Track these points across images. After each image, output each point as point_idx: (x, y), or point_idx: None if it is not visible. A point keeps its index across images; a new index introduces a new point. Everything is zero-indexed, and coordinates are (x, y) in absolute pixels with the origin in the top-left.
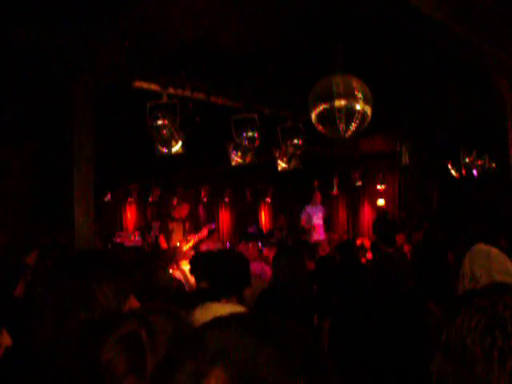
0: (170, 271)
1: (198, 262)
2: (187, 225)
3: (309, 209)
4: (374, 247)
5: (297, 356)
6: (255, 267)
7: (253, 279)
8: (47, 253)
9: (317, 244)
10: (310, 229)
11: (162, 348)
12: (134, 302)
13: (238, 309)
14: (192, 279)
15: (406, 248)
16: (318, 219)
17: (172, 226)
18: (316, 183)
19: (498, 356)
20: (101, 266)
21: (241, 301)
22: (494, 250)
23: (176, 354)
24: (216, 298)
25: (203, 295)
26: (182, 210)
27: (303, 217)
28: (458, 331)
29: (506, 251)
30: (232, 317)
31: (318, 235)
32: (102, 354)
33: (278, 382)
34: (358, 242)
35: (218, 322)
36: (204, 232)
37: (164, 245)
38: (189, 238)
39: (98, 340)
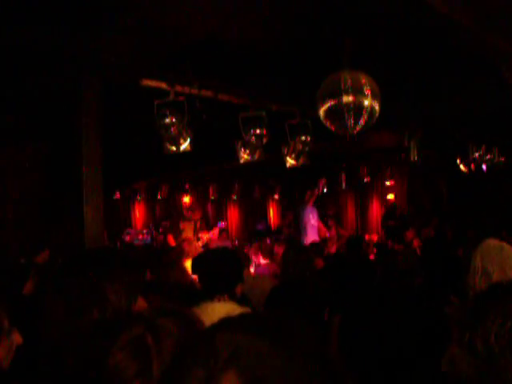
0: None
1: (195, 263)
2: (198, 225)
3: (307, 209)
4: (379, 244)
5: (311, 359)
6: (267, 267)
7: (262, 279)
8: (57, 252)
9: (325, 240)
10: (306, 228)
11: (169, 352)
12: (141, 302)
13: (232, 306)
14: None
15: (416, 243)
16: (313, 220)
17: (183, 225)
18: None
19: None
20: (111, 265)
21: (232, 297)
22: (507, 246)
23: (186, 359)
24: (208, 296)
25: (197, 294)
26: (195, 215)
27: (306, 215)
28: (485, 335)
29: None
30: (243, 318)
31: (314, 236)
32: (110, 357)
33: None
34: (366, 238)
35: (229, 323)
36: (215, 232)
37: (173, 243)
38: (200, 236)
39: (108, 342)
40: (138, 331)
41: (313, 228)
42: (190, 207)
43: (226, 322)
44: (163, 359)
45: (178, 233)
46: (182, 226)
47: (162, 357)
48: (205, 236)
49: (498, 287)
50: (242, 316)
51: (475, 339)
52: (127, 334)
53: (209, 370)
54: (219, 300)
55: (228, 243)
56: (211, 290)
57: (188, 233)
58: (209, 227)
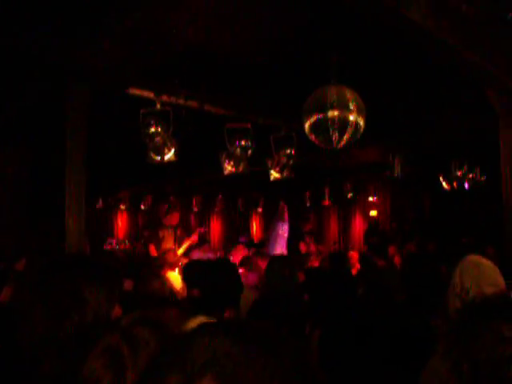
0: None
1: (191, 269)
2: (178, 232)
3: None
4: (364, 259)
5: (288, 365)
6: (251, 278)
7: (246, 290)
8: (37, 259)
9: (307, 255)
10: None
11: (145, 363)
12: (117, 309)
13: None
14: (176, 286)
15: (397, 260)
16: (283, 232)
17: (162, 233)
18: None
19: None
20: (91, 270)
21: (236, 313)
22: (485, 262)
23: (162, 363)
24: (208, 308)
25: (195, 304)
26: (173, 219)
27: (277, 226)
28: (472, 358)
29: (494, 260)
30: (220, 324)
31: (281, 248)
32: (85, 365)
33: None
34: (348, 253)
35: (206, 329)
36: (194, 236)
37: (154, 253)
38: (182, 244)
39: (86, 348)
40: (113, 340)
41: (281, 240)
42: (167, 211)
43: (204, 327)
44: (138, 370)
45: (158, 242)
46: (161, 233)
47: (137, 368)
48: (184, 244)
49: (489, 304)
50: (220, 322)
51: (462, 358)
52: (103, 342)
53: (186, 375)
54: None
55: (211, 255)
56: (213, 302)
57: (168, 241)
58: (189, 235)
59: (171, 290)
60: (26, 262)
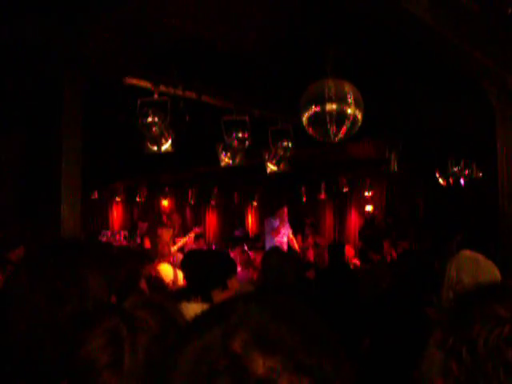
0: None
1: (186, 261)
2: (176, 230)
3: (276, 223)
4: (362, 253)
5: (310, 328)
6: (244, 274)
7: (241, 284)
8: (32, 247)
9: (304, 249)
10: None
11: (143, 346)
12: (113, 299)
13: (201, 307)
14: (167, 278)
15: (394, 255)
16: (282, 236)
17: (161, 231)
18: (284, 200)
19: (504, 376)
20: (92, 255)
21: (208, 301)
22: (481, 257)
23: (201, 321)
24: (186, 297)
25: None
26: (174, 221)
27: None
28: (471, 342)
29: (491, 256)
30: (250, 294)
31: (272, 242)
32: (83, 345)
33: (296, 346)
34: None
35: (238, 297)
36: (191, 236)
37: (148, 245)
38: (177, 241)
39: (86, 333)
40: (113, 322)
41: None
42: (169, 215)
43: (233, 298)
44: (136, 353)
45: (154, 237)
46: (159, 231)
47: (136, 350)
48: (181, 241)
49: (483, 290)
50: (249, 293)
51: (460, 345)
52: (103, 323)
53: (223, 328)
54: (195, 302)
55: (205, 248)
56: (189, 291)
57: (165, 238)
58: (186, 232)
59: (160, 280)
60: (23, 250)
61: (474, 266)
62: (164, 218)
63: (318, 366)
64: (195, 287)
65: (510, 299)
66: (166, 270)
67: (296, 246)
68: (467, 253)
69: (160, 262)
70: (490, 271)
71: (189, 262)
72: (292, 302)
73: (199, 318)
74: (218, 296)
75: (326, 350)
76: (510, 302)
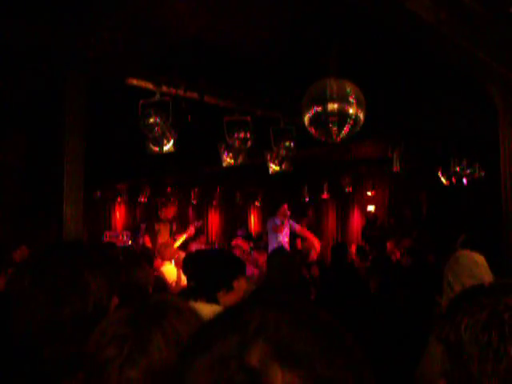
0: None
1: (187, 261)
2: (174, 226)
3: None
4: (361, 251)
5: (329, 333)
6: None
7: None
8: (35, 248)
9: (308, 251)
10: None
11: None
12: (115, 300)
13: (216, 307)
14: (170, 279)
15: (397, 255)
16: (284, 236)
17: (158, 226)
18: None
19: (492, 357)
20: (93, 257)
21: (215, 302)
22: (465, 254)
23: (214, 328)
24: (193, 297)
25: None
26: (168, 212)
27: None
28: (456, 328)
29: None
30: (270, 299)
31: (278, 243)
32: (101, 348)
33: (316, 358)
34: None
35: (255, 301)
36: (191, 230)
37: (149, 244)
38: (177, 238)
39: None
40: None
41: (278, 236)
42: (162, 204)
43: (249, 301)
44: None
45: (153, 234)
46: (156, 226)
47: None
48: (182, 237)
49: (479, 287)
50: (264, 296)
51: (449, 332)
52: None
53: (241, 337)
54: (203, 302)
55: (208, 247)
56: (195, 291)
57: (164, 234)
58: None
59: (160, 280)
60: (26, 250)
61: (456, 265)
62: (159, 213)
63: (340, 379)
64: (199, 288)
65: (496, 291)
66: (170, 270)
67: (311, 235)
68: (465, 252)
69: (164, 261)
70: (468, 268)
71: (193, 262)
72: (311, 308)
73: (212, 325)
74: (224, 297)
75: (348, 361)
76: (494, 293)
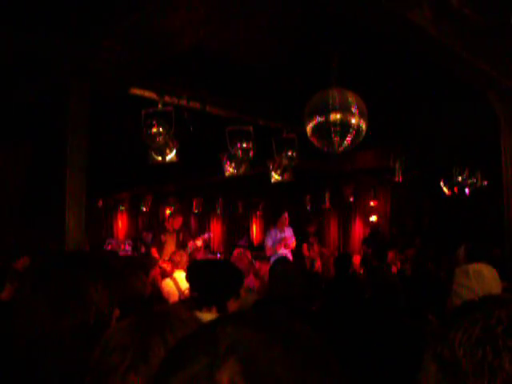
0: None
1: (190, 271)
2: (181, 236)
3: (273, 233)
4: (365, 261)
5: (305, 354)
6: (247, 280)
7: (245, 292)
8: (37, 258)
9: (312, 261)
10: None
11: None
12: (116, 311)
13: (212, 316)
14: (183, 286)
15: (399, 264)
16: (281, 239)
17: (164, 238)
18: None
19: (487, 372)
20: (97, 270)
21: (222, 311)
22: (485, 269)
23: (187, 348)
24: (198, 307)
25: (190, 304)
26: (176, 222)
27: (268, 242)
28: (450, 344)
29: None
30: (241, 314)
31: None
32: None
33: (288, 376)
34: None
35: (228, 318)
36: (199, 242)
37: (156, 255)
38: (189, 245)
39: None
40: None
41: (279, 246)
42: (170, 215)
43: (224, 317)
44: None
45: (160, 245)
46: (163, 238)
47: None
48: (198, 242)
49: (470, 302)
50: (239, 312)
51: (444, 348)
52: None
53: (211, 357)
54: (207, 311)
55: (210, 256)
56: (201, 301)
57: (170, 245)
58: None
59: (156, 289)
60: (28, 260)
61: (466, 278)
62: (166, 223)
63: None
64: (209, 298)
65: (488, 304)
66: (182, 278)
67: (293, 246)
68: (467, 266)
69: (176, 269)
70: (492, 284)
71: (200, 272)
72: (289, 325)
73: (185, 343)
74: (232, 306)
75: (322, 380)
76: (486, 307)
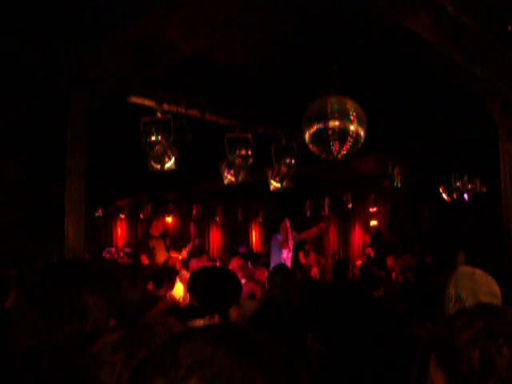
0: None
1: (191, 280)
2: (168, 241)
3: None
4: (364, 269)
5: (273, 369)
6: (246, 288)
7: (245, 300)
8: (36, 266)
9: (309, 268)
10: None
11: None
12: (112, 321)
13: None
14: (178, 295)
15: (398, 271)
16: (289, 252)
17: (152, 243)
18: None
19: (489, 372)
20: (93, 277)
21: (225, 319)
22: (479, 271)
23: (147, 367)
24: (200, 315)
25: (190, 312)
26: (159, 225)
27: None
28: (453, 347)
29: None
30: (205, 329)
31: (281, 260)
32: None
33: None
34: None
35: (191, 333)
36: (189, 248)
37: (146, 262)
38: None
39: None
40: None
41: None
42: (152, 219)
43: (188, 332)
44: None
45: (148, 251)
46: (151, 243)
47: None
48: (183, 253)
49: (465, 311)
50: (204, 327)
51: (446, 351)
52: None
53: (170, 379)
54: (210, 320)
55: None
56: (203, 309)
57: (160, 251)
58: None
59: (147, 298)
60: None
61: (471, 281)
62: (150, 230)
63: None
64: (212, 306)
65: (488, 314)
66: (177, 287)
67: (313, 230)
68: (465, 268)
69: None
70: (488, 285)
71: (202, 280)
72: (256, 338)
73: (147, 363)
74: (233, 313)
75: None
76: (485, 315)
